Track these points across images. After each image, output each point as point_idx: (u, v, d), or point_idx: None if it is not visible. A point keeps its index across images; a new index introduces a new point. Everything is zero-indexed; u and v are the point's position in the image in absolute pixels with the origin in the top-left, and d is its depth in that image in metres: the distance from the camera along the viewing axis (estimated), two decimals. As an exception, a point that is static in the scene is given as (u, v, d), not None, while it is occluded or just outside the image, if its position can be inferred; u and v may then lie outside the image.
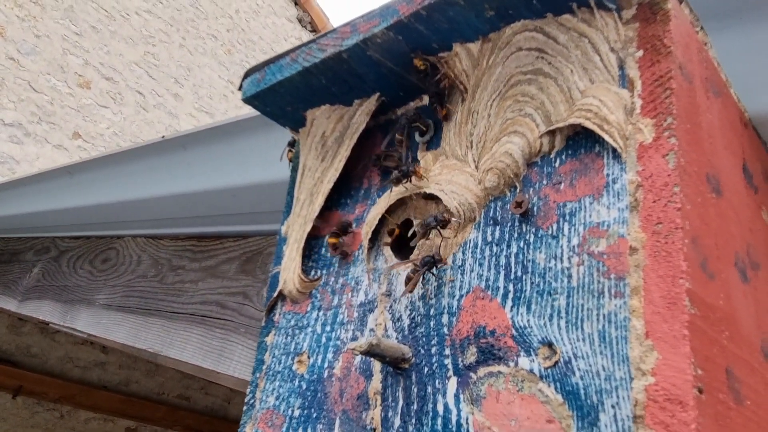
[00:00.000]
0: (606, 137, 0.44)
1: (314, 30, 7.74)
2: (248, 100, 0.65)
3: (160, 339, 1.47)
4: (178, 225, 1.59)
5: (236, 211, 1.33)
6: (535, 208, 0.47)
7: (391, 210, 0.58)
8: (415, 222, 0.57)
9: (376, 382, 0.51)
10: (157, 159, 1.38)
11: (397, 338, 0.51)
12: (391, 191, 0.58)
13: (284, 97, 0.65)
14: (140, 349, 1.75)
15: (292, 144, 0.74)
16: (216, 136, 1.20)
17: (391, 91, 0.61)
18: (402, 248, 0.58)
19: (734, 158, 0.55)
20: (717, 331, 0.41)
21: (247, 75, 0.65)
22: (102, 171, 1.61)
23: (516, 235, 0.47)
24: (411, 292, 0.51)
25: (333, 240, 0.59)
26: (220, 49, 6.53)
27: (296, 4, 7.69)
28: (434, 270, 0.51)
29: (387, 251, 0.57)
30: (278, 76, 0.62)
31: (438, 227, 0.51)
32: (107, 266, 1.87)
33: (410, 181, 0.55)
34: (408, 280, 0.51)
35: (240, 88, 0.65)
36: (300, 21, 7.71)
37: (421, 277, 0.51)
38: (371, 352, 0.47)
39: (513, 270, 0.46)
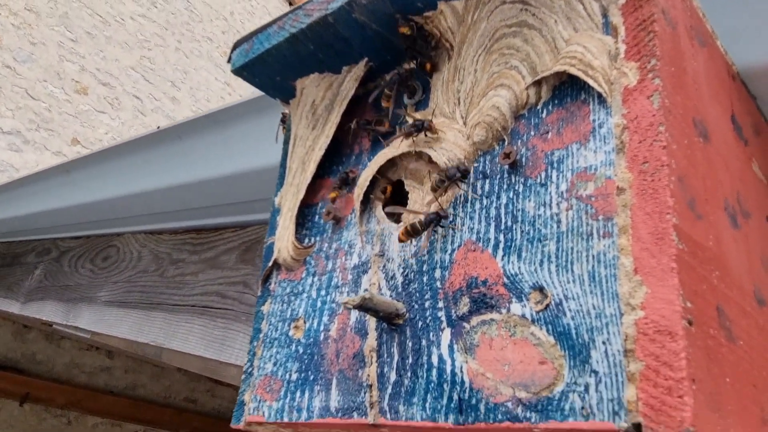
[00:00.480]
0: (591, 82, 0.44)
1: (309, 30, 7.74)
2: (237, 72, 0.65)
3: (163, 332, 1.48)
4: (177, 218, 1.59)
5: (234, 200, 1.33)
6: (523, 159, 0.47)
7: (381, 171, 0.58)
8: (408, 180, 0.57)
9: (372, 340, 0.51)
10: (153, 151, 1.38)
11: (391, 296, 0.51)
12: (384, 148, 0.57)
13: (273, 67, 0.65)
14: (144, 349, 1.75)
15: (284, 120, 0.74)
16: (211, 124, 1.20)
17: (378, 56, 0.61)
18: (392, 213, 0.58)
19: (722, 109, 0.55)
20: (706, 269, 0.41)
21: (236, 46, 0.65)
22: (99, 167, 1.62)
23: (505, 186, 0.47)
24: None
25: (333, 194, 0.59)
26: (216, 51, 6.54)
27: (290, 4, 7.70)
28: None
29: (379, 212, 0.57)
30: (266, 44, 0.62)
31: (461, 178, 0.50)
32: (108, 264, 1.88)
33: (425, 135, 0.53)
34: (414, 230, 0.50)
35: (229, 60, 0.65)
36: (295, 21, 7.71)
37: (425, 232, 0.50)
38: (364, 306, 0.47)
39: (503, 220, 0.46)
